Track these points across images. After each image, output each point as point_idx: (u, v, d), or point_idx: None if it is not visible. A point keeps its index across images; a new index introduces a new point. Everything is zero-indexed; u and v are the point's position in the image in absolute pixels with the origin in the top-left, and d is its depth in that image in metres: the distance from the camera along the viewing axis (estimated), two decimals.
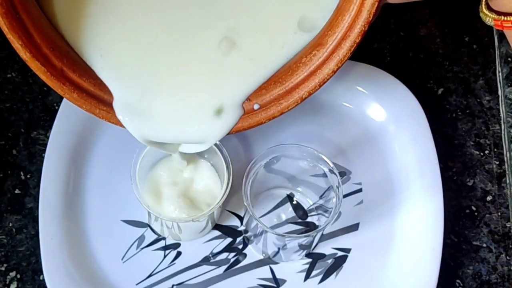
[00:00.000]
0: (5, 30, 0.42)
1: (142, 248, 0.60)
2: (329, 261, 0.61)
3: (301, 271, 0.60)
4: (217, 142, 0.57)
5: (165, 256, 0.60)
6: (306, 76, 0.47)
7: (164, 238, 0.61)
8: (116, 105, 0.48)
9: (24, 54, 0.43)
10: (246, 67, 0.48)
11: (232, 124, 0.48)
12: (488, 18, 0.41)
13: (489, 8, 0.40)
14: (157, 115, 0.48)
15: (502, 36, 0.70)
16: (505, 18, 0.40)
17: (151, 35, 0.48)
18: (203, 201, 0.57)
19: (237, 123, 0.48)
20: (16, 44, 0.43)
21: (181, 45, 0.48)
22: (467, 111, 0.68)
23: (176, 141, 0.50)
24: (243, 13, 0.48)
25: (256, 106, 0.48)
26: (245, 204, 0.56)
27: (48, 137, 0.62)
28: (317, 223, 0.62)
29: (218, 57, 0.48)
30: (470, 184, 0.66)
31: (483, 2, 0.41)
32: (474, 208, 0.65)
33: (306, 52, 0.47)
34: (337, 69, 0.46)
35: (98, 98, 0.47)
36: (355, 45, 0.45)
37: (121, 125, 0.49)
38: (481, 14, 0.41)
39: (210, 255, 0.60)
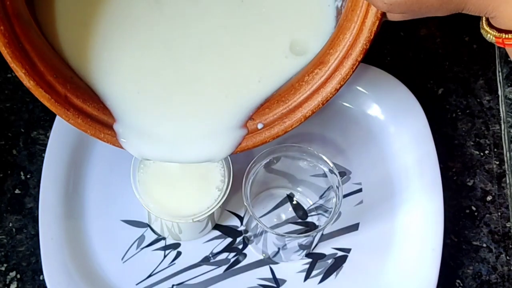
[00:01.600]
0: (8, 59, 0.43)
1: (142, 248, 0.60)
2: (329, 261, 0.61)
3: (301, 271, 0.60)
4: None
5: (165, 256, 0.60)
6: (309, 95, 0.47)
7: (164, 238, 0.61)
8: (120, 128, 0.48)
9: (28, 82, 0.44)
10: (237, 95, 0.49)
11: (234, 144, 0.49)
12: (489, 35, 0.41)
13: (490, 25, 0.41)
14: (164, 138, 0.49)
15: None
16: (506, 36, 0.40)
17: (155, 61, 0.49)
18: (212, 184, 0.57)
19: (241, 142, 0.48)
20: (20, 73, 0.43)
21: (183, 72, 0.49)
22: (467, 111, 0.68)
23: (181, 162, 0.51)
24: (235, 43, 0.49)
25: (260, 125, 0.48)
26: (245, 204, 0.56)
27: (48, 137, 0.62)
28: (317, 223, 0.62)
29: (214, 82, 0.49)
30: (470, 184, 0.66)
31: (484, 19, 0.41)
32: (474, 208, 0.65)
33: (308, 71, 0.47)
34: (340, 87, 0.46)
35: (102, 122, 0.47)
36: (357, 63, 0.45)
37: (125, 149, 0.49)
38: (482, 31, 0.41)
39: (210, 255, 0.60)
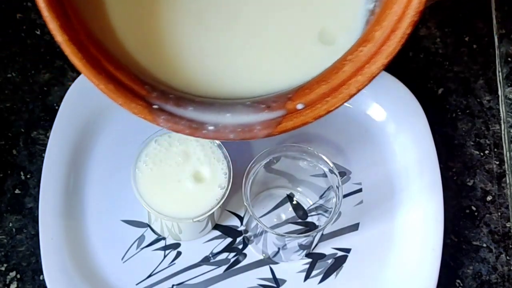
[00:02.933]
0: (42, 6, 0.39)
1: (142, 248, 0.60)
2: (329, 261, 0.61)
3: (301, 271, 0.60)
4: (217, 142, 0.57)
5: (165, 256, 0.60)
6: (353, 72, 0.44)
7: (164, 238, 0.61)
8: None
9: (60, 37, 0.40)
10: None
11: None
12: None
13: None
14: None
15: (502, 36, 0.70)
16: None
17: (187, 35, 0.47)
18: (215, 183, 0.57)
19: (280, 122, 0.45)
20: (53, 25, 0.40)
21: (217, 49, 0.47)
22: (467, 111, 0.68)
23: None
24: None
25: (299, 106, 0.45)
26: (245, 204, 0.56)
27: (48, 137, 0.62)
28: (317, 223, 0.62)
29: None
30: (470, 184, 0.66)
31: None
32: (474, 208, 0.65)
33: (352, 50, 0.45)
34: (387, 63, 0.43)
35: (134, 91, 0.44)
36: (406, 36, 0.42)
37: (157, 124, 0.45)
38: None
39: (210, 255, 0.60)
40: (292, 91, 0.46)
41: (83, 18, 0.43)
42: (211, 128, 0.44)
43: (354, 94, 0.44)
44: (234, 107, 0.45)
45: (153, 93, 0.44)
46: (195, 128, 0.44)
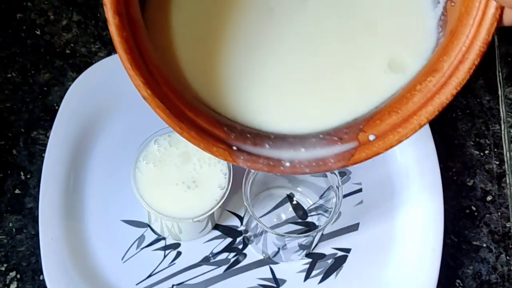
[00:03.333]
0: (128, 66, 0.41)
1: (142, 248, 0.60)
2: (329, 261, 0.61)
3: (301, 271, 0.60)
4: None
5: (165, 256, 0.60)
6: (423, 103, 0.46)
7: (164, 238, 0.61)
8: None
9: (145, 92, 0.42)
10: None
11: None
12: None
13: None
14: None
15: (502, 36, 0.70)
16: None
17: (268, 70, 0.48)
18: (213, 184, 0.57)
19: (353, 154, 0.46)
20: (138, 81, 0.42)
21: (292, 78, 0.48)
22: (467, 111, 0.68)
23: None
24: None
25: (371, 137, 0.46)
26: (245, 204, 0.56)
27: (48, 137, 0.62)
28: (317, 223, 0.62)
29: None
30: (470, 184, 0.66)
31: None
32: (474, 208, 0.65)
33: (420, 80, 0.46)
34: (457, 93, 0.45)
35: (214, 136, 0.46)
36: (474, 67, 0.43)
37: (237, 164, 0.47)
38: None
39: (210, 255, 0.61)
40: (362, 121, 0.47)
41: (163, 71, 0.44)
42: (287, 164, 0.46)
43: (424, 124, 0.46)
44: (307, 141, 0.47)
45: (231, 134, 0.46)
46: (273, 166, 0.46)
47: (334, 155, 0.46)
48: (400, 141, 0.46)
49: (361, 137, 0.46)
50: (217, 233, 0.62)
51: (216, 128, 0.46)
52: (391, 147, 0.46)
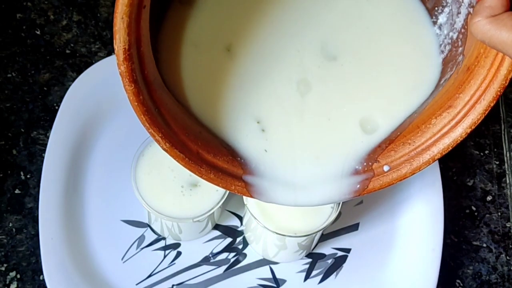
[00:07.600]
0: (146, 126, 0.43)
1: (142, 248, 0.60)
2: (329, 261, 0.61)
3: (301, 271, 0.60)
4: None
5: (165, 256, 0.60)
6: (438, 138, 0.47)
7: (164, 238, 0.61)
8: (253, 179, 0.48)
9: (164, 145, 0.44)
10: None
11: (349, 189, 0.49)
12: None
13: None
14: (301, 183, 0.49)
15: None
16: None
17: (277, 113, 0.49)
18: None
19: (368, 185, 0.48)
20: (157, 137, 0.44)
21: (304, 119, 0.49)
22: None
23: (304, 205, 0.50)
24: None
25: (386, 168, 0.48)
26: (245, 204, 0.56)
27: (48, 137, 0.62)
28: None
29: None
30: (470, 184, 0.66)
31: None
32: (474, 208, 0.65)
33: (434, 113, 0.47)
34: (470, 131, 0.46)
35: (232, 174, 0.48)
36: (489, 109, 0.45)
37: (254, 197, 0.49)
38: None
39: (210, 255, 0.60)
40: (376, 152, 0.48)
41: (178, 117, 0.46)
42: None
43: (438, 158, 0.47)
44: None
45: (247, 166, 0.48)
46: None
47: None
48: (414, 173, 0.47)
49: (376, 167, 0.48)
50: (217, 233, 0.62)
51: (233, 165, 0.48)
52: (405, 178, 0.48)
